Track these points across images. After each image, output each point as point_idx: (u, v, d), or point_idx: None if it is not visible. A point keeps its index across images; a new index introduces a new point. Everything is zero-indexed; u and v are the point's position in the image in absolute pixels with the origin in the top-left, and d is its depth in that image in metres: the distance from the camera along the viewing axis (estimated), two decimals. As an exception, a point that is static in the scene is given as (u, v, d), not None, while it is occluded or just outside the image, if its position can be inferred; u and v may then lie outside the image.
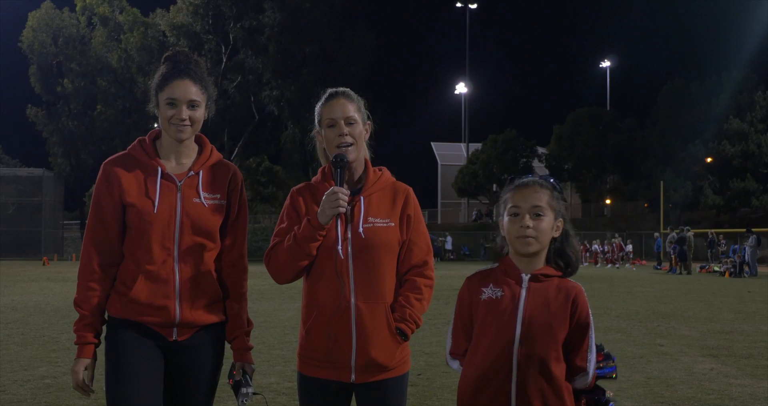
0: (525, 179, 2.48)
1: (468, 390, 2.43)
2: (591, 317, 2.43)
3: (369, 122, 2.76)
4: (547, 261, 2.47)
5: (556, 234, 2.46)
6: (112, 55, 53.23)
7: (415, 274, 2.67)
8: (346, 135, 2.64)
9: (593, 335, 2.42)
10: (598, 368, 2.47)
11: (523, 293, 2.41)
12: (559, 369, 2.37)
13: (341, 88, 2.75)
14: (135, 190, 2.65)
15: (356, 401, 2.65)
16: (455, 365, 2.54)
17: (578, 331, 2.39)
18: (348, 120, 2.66)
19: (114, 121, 52.90)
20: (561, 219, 2.46)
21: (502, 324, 2.39)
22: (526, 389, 2.35)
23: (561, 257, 2.47)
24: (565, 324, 2.38)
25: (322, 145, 2.75)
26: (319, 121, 2.72)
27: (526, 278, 2.43)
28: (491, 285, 2.46)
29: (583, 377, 2.40)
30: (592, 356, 2.41)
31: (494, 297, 2.43)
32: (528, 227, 2.38)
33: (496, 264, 2.52)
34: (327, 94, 2.73)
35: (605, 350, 2.53)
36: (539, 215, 2.40)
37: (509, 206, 2.45)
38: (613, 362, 2.52)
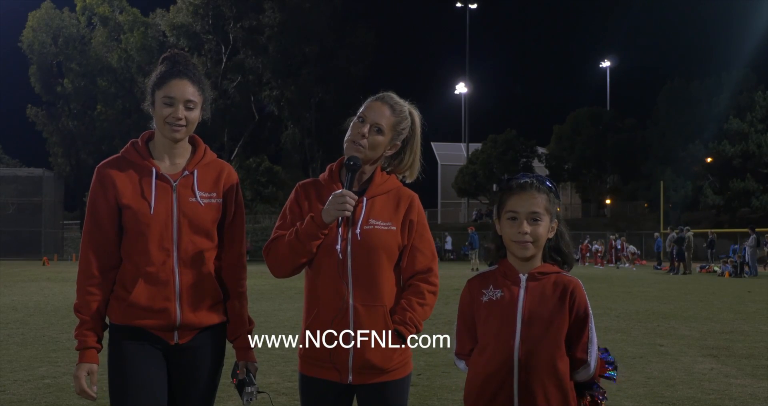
0: (522, 181, 2.49)
1: (473, 390, 2.47)
2: (590, 310, 2.46)
3: (399, 143, 2.71)
4: (544, 258, 2.52)
5: (551, 235, 2.51)
6: (112, 55, 53.25)
7: (419, 280, 2.65)
8: (365, 138, 2.62)
9: (593, 328, 2.44)
10: (602, 372, 2.48)
11: (522, 292, 2.45)
12: (563, 365, 2.39)
13: (396, 99, 2.71)
14: (130, 192, 2.64)
15: (357, 403, 2.65)
16: (461, 365, 2.58)
17: (577, 323, 2.42)
18: (376, 125, 2.64)
19: (114, 121, 52.93)
20: (555, 220, 2.51)
21: (503, 324, 2.42)
22: (528, 386, 2.36)
23: (557, 253, 2.53)
24: (564, 318, 2.40)
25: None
26: (357, 112, 2.71)
27: (523, 277, 2.47)
28: (491, 287, 2.50)
29: (585, 369, 2.42)
30: (593, 348, 2.42)
31: (494, 298, 2.47)
32: (526, 232, 2.43)
33: (495, 266, 2.56)
34: (380, 94, 2.71)
35: (610, 356, 2.54)
36: (536, 220, 2.44)
37: (507, 209, 2.48)
38: (615, 368, 2.54)
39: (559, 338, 2.39)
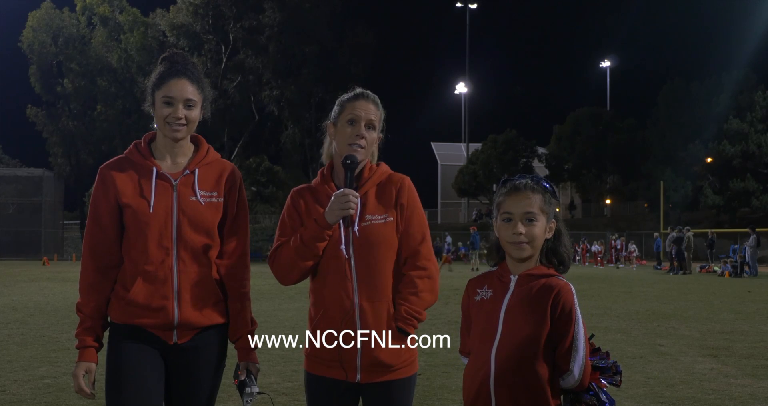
0: (518, 182, 2.48)
1: (464, 390, 2.48)
2: (576, 316, 2.37)
3: (381, 135, 2.75)
4: (540, 259, 2.48)
5: (549, 235, 2.48)
6: (112, 55, 53.22)
7: (409, 267, 2.65)
8: (363, 138, 2.64)
9: (580, 335, 2.35)
10: (593, 379, 2.42)
11: (509, 293, 2.44)
12: (541, 369, 2.33)
13: (371, 92, 2.74)
14: (130, 191, 2.65)
15: (362, 402, 2.65)
16: (466, 361, 2.57)
17: (559, 329, 2.35)
18: (369, 123, 2.66)
19: (114, 121, 52.88)
20: (554, 220, 2.48)
21: (487, 325, 2.42)
22: (502, 387, 2.34)
23: (554, 255, 2.49)
24: (543, 321, 2.35)
25: (331, 138, 2.73)
26: (338, 114, 2.69)
27: (513, 278, 2.46)
28: (485, 287, 2.50)
29: (568, 376, 2.36)
30: (577, 356, 2.34)
31: (485, 298, 2.48)
32: (520, 233, 2.41)
33: (495, 268, 2.55)
34: (357, 91, 2.71)
35: (605, 361, 2.44)
36: (531, 221, 2.42)
37: (502, 211, 2.47)
38: (614, 373, 2.44)
39: (536, 342, 2.34)
